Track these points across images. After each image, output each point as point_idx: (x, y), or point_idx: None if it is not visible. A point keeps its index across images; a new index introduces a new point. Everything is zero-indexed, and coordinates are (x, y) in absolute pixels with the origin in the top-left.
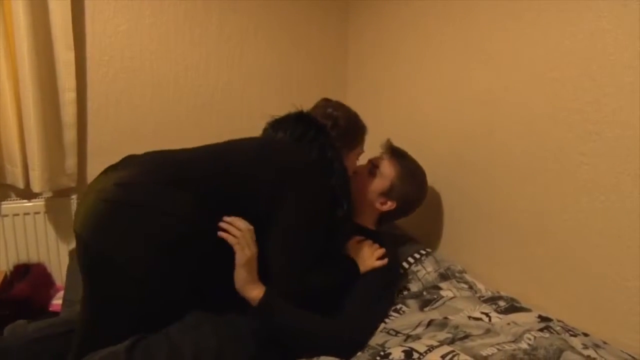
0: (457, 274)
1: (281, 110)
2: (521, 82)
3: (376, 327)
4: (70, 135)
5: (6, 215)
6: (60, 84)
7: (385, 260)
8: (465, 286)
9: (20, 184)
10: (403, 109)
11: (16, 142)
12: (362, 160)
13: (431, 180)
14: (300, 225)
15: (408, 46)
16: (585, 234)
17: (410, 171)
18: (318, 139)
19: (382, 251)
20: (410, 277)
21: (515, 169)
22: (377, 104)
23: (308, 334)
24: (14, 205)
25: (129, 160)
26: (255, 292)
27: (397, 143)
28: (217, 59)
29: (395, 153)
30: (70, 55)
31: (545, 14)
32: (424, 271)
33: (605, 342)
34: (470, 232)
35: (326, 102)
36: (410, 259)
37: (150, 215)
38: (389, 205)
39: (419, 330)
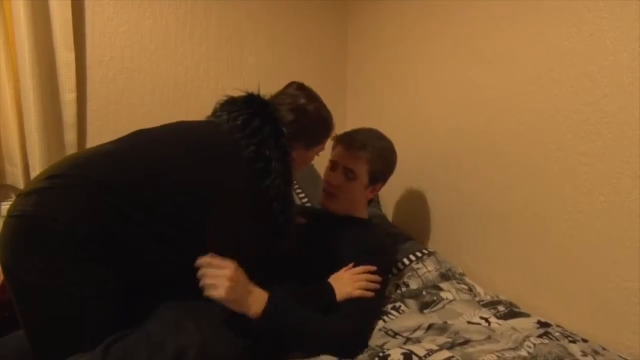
0: (457, 276)
1: None
2: (520, 83)
3: (374, 324)
4: (70, 135)
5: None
6: (61, 84)
7: (366, 292)
8: (465, 287)
9: (21, 185)
10: (403, 109)
11: (16, 143)
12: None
13: (430, 180)
14: (227, 233)
15: (407, 47)
16: (585, 235)
17: (376, 151)
18: (261, 132)
19: (364, 283)
20: (409, 273)
21: (515, 170)
22: (377, 104)
23: (309, 335)
24: None
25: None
26: (254, 307)
27: (396, 143)
28: (217, 60)
29: (354, 146)
30: (71, 56)
31: (545, 14)
32: (424, 269)
33: (604, 348)
34: (469, 233)
35: (299, 90)
36: (412, 257)
37: (44, 222)
38: (377, 188)
39: (419, 333)
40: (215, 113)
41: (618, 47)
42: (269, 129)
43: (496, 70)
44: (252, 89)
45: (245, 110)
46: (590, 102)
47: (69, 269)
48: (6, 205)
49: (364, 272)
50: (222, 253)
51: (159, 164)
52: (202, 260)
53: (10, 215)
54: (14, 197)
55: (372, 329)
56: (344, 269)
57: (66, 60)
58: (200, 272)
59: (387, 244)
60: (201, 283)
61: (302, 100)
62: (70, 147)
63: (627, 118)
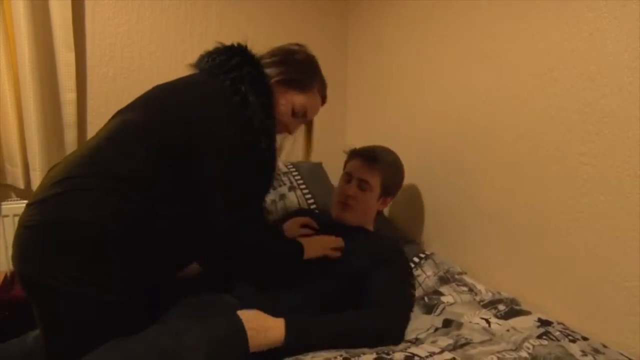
0: (456, 276)
1: None
2: (521, 83)
3: (409, 315)
4: (70, 135)
5: (7, 216)
6: (61, 84)
7: (337, 253)
8: (465, 289)
9: (21, 184)
10: (402, 109)
11: (17, 142)
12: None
13: (430, 180)
14: (224, 164)
15: (407, 47)
16: (585, 234)
17: (388, 165)
18: (239, 69)
19: (339, 244)
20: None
21: (515, 169)
22: (377, 104)
23: (347, 338)
24: (14, 205)
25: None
26: (275, 339)
27: (397, 143)
28: None
29: (369, 159)
30: (71, 56)
31: (545, 14)
32: (424, 275)
33: (605, 346)
34: (470, 233)
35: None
36: (410, 264)
37: (65, 226)
38: (389, 200)
39: (422, 335)
40: (196, 62)
41: (618, 46)
42: (247, 68)
43: (496, 70)
44: None
45: (225, 53)
46: (590, 102)
47: (101, 272)
48: (6, 205)
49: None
50: (228, 194)
51: (151, 132)
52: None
53: (26, 226)
54: (14, 197)
55: (407, 319)
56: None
57: (66, 60)
58: None
59: (401, 246)
60: None
61: (294, 46)
62: (70, 146)
63: (628, 118)
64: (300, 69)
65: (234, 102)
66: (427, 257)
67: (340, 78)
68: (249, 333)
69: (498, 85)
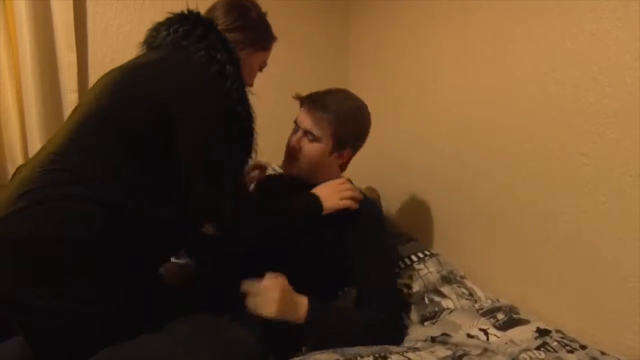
0: (458, 279)
1: (282, 113)
2: (522, 83)
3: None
4: None
5: None
6: (63, 85)
7: (351, 202)
8: (466, 292)
9: None
10: (404, 110)
11: (19, 143)
12: (285, 117)
13: (432, 181)
14: (205, 136)
15: (409, 47)
16: (587, 235)
17: (342, 113)
18: (207, 38)
19: (348, 192)
20: (411, 273)
21: (517, 170)
22: (379, 107)
23: (352, 333)
24: None
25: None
26: (298, 314)
27: (399, 143)
28: None
29: (315, 107)
30: (73, 57)
31: (547, 15)
32: (425, 270)
33: (603, 353)
34: (471, 234)
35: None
36: (414, 257)
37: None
38: (346, 154)
39: (419, 345)
40: (148, 38)
41: (620, 47)
42: (213, 35)
43: (498, 70)
44: (252, 90)
45: (186, 22)
46: (592, 102)
47: (77, 284)
48: None
49: (346, 182)
50: (210, 163)
51: (120, 121)
52: (247, 286)
53: None
54: None
55: (402, 308)
56: (329, 182)
57: (68, 61)
58: (247, 296)
59: (382, 214)
60: (248, 304)
61: (244, 2)
62: None
63: (630, 118)
64: (262, 29)
65: (211, 72)
66: (432, 255)
67: (342, 79)
68: (279, 305)
69: (500, 85)
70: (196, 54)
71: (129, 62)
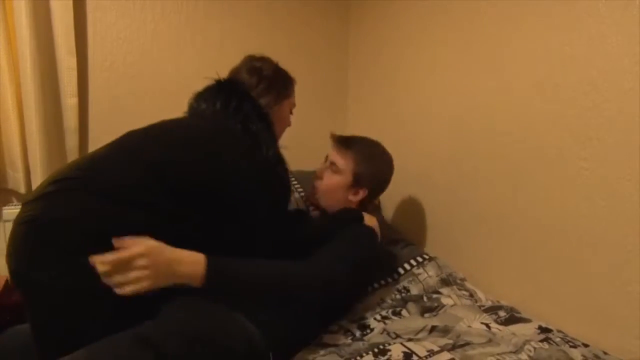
0: (458, 281)
1: None
2: (521, 88)
3: (351, 270)
4: (72, 140)
5: (8, 221)
6: (62, 89)
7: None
8: (466, 293)
9: (22, 189)
10: (404, 114)
11: (18, 147)
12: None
13: (431, 185)
14: (261, 211)
15: (409, 52)
16: (586, 239)
17: (365, 154)
18: (242, 109)
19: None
20: (410, 278)
21: (516, 175)
22: (378, 109)
23: (281, 282)
24: (15, 210)
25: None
26: (188, 267)
27: (398, 147)
28: (219, 65)
29: (343, 143)
30: (72, 61)
31: (546, 19)
32: (425, 274)
33: (605, 353)
34: (470, 238)
35: (249, 57)
36: (413, 262)
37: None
38: (362, 193)
39: (420, 335)
40: (191, 107)
41: (619, 51)
42: (248, 105)
43: (497, 75)
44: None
45: (222, 94)
46: (591, 107)
47: (83, 266)
48: (8, 210)
49: None
50: (266, 235)
51: (157, 161)
52: (98, 259)
53: (19, 222)
54: (15, 202)
55: (349, 274)
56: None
57: (68, 65)
58: (104, 276)
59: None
60: (116, 289)
61: (254, 62)
62: (72, 152)
63: (628, 123)
64: (279, 81)
65: (247, 144)
66: (430, 259)
67: (342, 83)
68: (148, 271)
69: (499, 89)
70: (234, 127)
71: (185, 119)
